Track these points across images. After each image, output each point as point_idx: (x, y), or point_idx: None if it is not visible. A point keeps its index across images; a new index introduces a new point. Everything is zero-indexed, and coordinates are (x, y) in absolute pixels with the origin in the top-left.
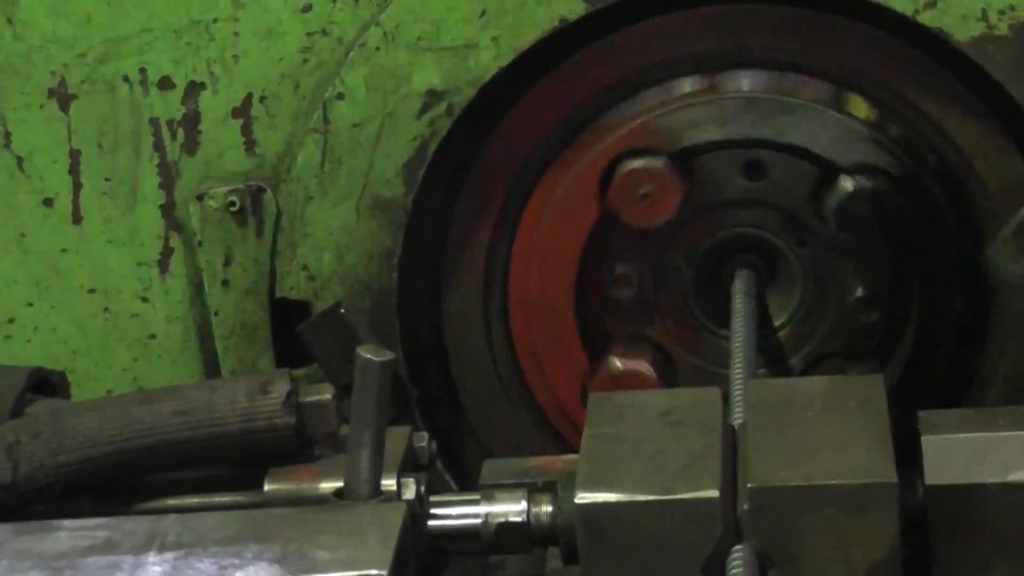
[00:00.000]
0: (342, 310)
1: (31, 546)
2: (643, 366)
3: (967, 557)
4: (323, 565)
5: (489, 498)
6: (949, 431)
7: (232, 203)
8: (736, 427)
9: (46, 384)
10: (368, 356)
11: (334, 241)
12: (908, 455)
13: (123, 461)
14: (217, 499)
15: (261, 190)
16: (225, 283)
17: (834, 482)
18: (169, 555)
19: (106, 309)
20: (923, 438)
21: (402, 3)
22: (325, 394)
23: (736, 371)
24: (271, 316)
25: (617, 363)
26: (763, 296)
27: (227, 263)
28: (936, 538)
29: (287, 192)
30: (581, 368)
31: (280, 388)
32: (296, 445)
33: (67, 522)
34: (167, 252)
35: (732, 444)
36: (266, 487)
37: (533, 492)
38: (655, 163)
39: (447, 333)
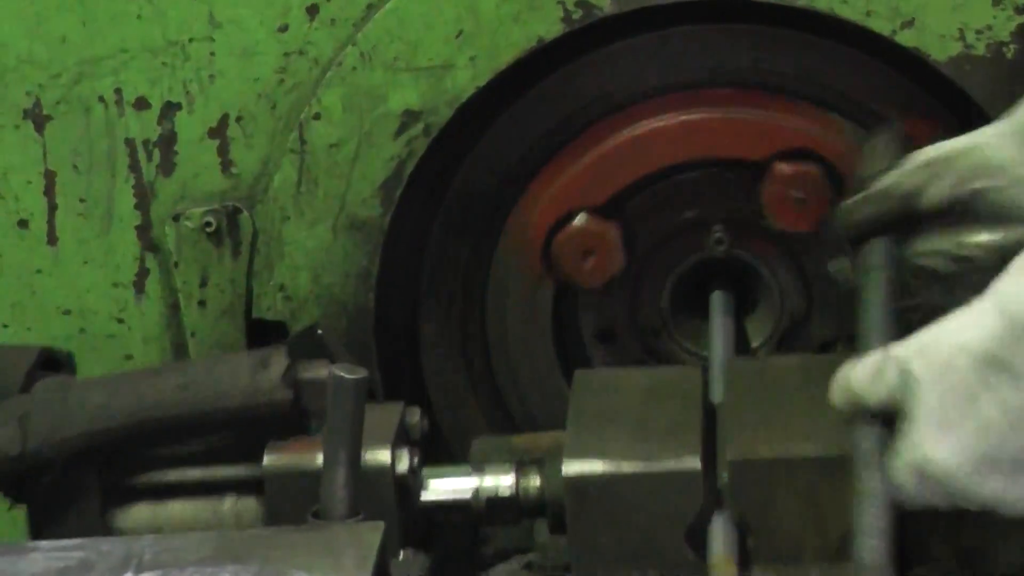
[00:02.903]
0: (319, 331)
1: (5, 568)
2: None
3: (939, 520)
4: None
5: (479, 471)
6: None
7: (208, 224)
8: (715, 403)
9: (53, 362)
10: (341, 374)
11: (311, 261)
12: None
13: (127, 434)
14: (218, 471)
15: (237, 211)
16: (201, 304)
17: (810, 453)
18: (146, 575)
19: (82, 330)
20: None
21: (379, 23)
22: (322, 371)
23: (715, 351)
24: (248, 337)
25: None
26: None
27: (203, 284)
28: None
29: (263, 213)
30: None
31: (279, 364)
32: (294, 419)
33: (42, 543)
34: (143, 273)
35: (712, 418)
36: (265, 460)
37: (522, 466)
38: None
39: (424, 354)
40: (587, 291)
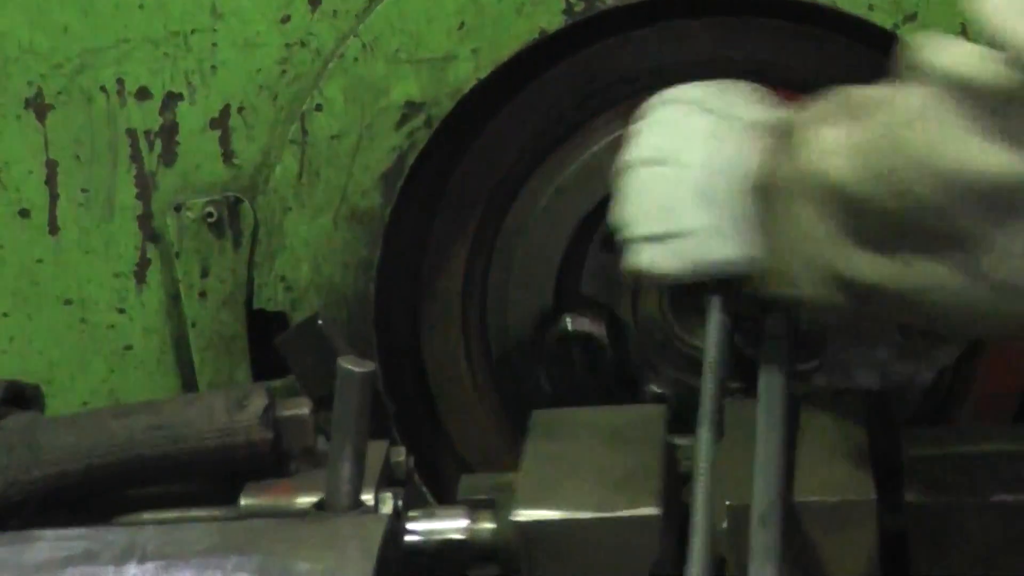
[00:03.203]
0: (319, 321)
1: (9, 556)
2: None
3: (947, 574)
4: None
5: (428, 515)
6: (930, 448)
7: (209, 214)
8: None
9: (20, 397)
10: (349, 367)
11: (311, 252)
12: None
13: (98, 476)
14: (193, 514)
15: (239, 201)
16: (202, 294)
17: (813, 499)
18: (149, 565)
19: (83, 320)
20: (904, 455)
21: (381, 15)
22: (302, 408)
23: (708, 388)
24: (248, 327)
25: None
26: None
27: (204, 274)
28: (916, 556)
29: (265, 203)
30: None
31: (257, 403)
32: (273, 460)
33: (47, 532)
34: (144, 263)
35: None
36: (242, 502)
37: (474, 508)
38: None
39: (425, 345)
40: None
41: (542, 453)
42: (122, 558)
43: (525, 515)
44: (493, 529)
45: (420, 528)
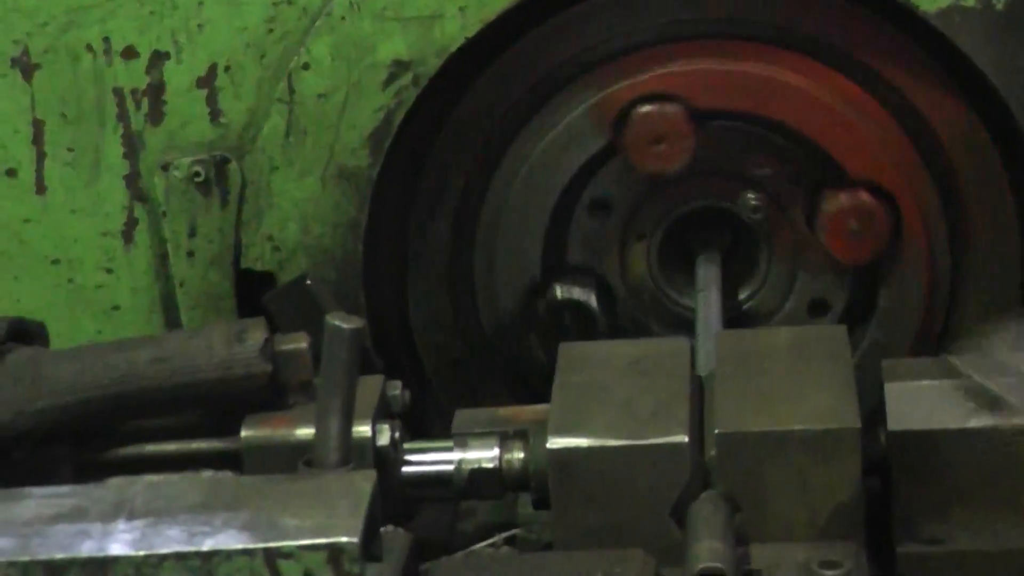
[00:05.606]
0: (307, 281)
1: None
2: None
3: (928, 501)
4: (293, 533)
5: (462, 445)
6: (911, 378)
7: (197, 173)
8: (703, 376)
9: (24, 334)
10: (337, 323)
11: (299, 212)
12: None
13: (101, 408)
14: (194, 445)
15: (226, 160)
16: (190, 254)
17: (798, 428)
18: (138, 522)
19: (70, 280)
20: (886, 385)
21: None
22: (300, 343)
23: (702, 322)
24: (236, 287)
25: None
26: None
27: (192, 234)
28: (898, 483)
29: (252, 163)
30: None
31: (256, 336)
32: (271, 393)
33: (36, 490)
34: (131, 222)
35: (700, 392)
36: (242, 434)
37: (505, 439)
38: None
39: (412, 304)
40: (622, 162)
41: (572, 385)
42: (111, 515)
43: (557, 443)
44: (524, 458)
45: (452, 458)
